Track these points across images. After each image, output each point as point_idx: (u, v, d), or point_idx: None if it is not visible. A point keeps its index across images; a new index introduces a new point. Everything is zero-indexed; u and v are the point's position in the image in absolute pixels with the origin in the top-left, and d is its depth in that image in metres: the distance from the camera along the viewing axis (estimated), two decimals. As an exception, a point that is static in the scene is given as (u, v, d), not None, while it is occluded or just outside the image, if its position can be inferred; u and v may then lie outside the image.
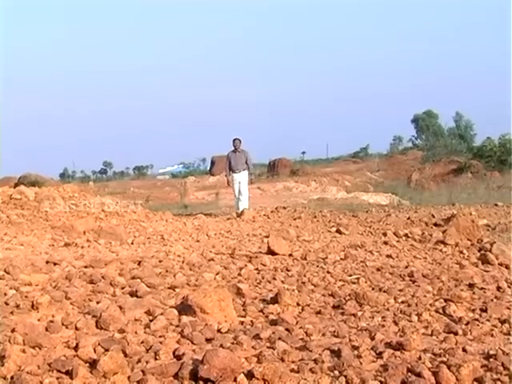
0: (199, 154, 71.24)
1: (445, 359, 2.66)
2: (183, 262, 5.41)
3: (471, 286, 4.38)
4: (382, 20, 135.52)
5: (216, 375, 2.35)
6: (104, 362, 2.44)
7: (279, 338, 2.97)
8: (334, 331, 3.18)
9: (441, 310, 3.64)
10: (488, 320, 3.43)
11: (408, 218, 9.76)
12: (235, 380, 2.36)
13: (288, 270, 5.05)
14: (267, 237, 7.01)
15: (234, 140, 12.60)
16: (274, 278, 4.68)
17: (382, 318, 3.48)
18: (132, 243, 7.03)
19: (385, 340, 2.97)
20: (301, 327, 3.25)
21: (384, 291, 4.16)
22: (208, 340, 2.97)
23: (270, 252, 5.84)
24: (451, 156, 35.85)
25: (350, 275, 4.83)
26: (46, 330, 3.02)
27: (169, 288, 4.22)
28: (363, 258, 5.69)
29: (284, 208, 13.07)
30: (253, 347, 2.87)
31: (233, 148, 12.60)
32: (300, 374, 2.50)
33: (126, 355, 2.65)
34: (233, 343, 2.90)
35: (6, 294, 3.72)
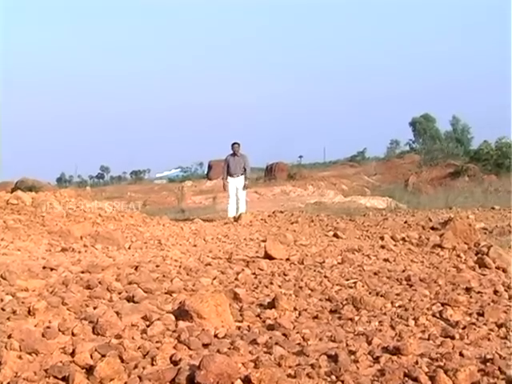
0: (196, 158, 71.35)
1: (442, 363, 2.66)
2: (180, 266, 5.40)
3: (468, 289, 4.38)
4: (380, 23, 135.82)
5: (213, 381, 2.35)
6: (101, 367, 2.43)
7: (276, 343, 2.97)
8: (331, 336, 3.18)
9: (438, 314, 3.64)
10: (485, 324, 3.43)
11: (405, 222, 9.77)
12: (232, 385, 2.36)
13: (285, 275, 5.04)
14: (264, 241, 7.01)
15: (233, 144, 12.56)
16: (271, 283, 4.68)
17: (379, 322, 3.48)
18: (129, 248, 7.01)
19: (382, 344, 2.98)
20: (298, 332, 3.24)
21: (381, 295, 4.16)
22: (205, 345, 2.97)
23: (267, 256, 5.83)
24: (448, 159, 36.02)
25: (347, 279, 4.83)
26: (43, 335, 3.00)
27: (166, 293, 4.21)
28: (360, 262, 5.69)
29: (281, 212, 13.04)
30: (250, 352, 2.87)
31: (231, 152, 12.56)
32: (297, 379, 2.50)
33: (122, 361, 2.65)
34: (230, 348, 2.89)
35: (2, 300, 3.70)
